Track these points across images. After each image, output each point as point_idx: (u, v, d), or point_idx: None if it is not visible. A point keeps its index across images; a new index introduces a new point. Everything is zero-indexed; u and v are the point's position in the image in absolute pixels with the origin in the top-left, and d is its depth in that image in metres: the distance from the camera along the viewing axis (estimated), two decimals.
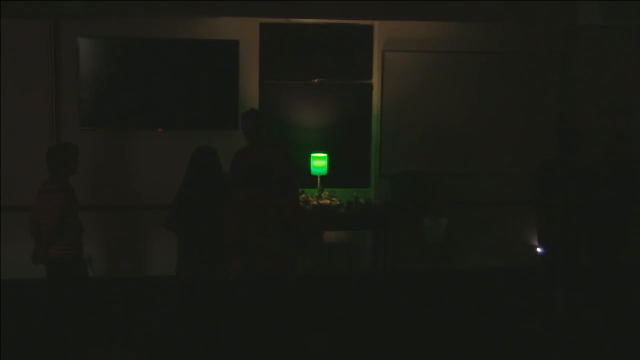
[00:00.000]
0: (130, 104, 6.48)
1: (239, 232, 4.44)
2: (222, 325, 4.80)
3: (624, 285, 6.31)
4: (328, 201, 6.51)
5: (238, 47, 6.54)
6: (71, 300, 4.78)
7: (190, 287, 4.78)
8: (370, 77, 6.86)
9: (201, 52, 6.51)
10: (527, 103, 7.08)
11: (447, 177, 7.01)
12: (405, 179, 6.92)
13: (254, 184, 4.55)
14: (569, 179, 5.51)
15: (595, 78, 7.09)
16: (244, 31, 6.60)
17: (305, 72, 6.75)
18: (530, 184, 5.77)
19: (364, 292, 6.53)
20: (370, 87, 6.86)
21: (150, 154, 6.62)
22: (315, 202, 6.49)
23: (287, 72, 6.74)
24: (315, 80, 6.75)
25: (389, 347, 5.37)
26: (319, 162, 6.58)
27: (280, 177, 4.95)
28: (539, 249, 5.85)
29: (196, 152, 4.79)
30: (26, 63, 6.35)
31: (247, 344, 4.54)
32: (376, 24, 6.79)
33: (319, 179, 6.60)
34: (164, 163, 6.48)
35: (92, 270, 5.98)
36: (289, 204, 4.92)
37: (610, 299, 6.08)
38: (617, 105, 7.10)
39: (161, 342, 5.30)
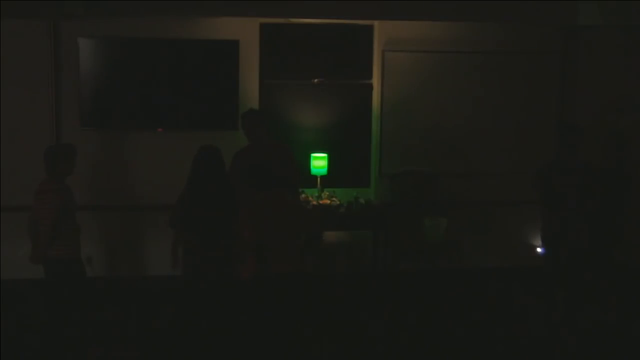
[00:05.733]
0: (130, 104, 6.48)
1: (254, 233, 4.45)
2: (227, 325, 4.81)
3: (619, 285, 6.31)
4: (328, 201, 6.51)
5: (238, 47, 6.54)
6: (70, 300, 4.78)
7: (195, 286, 4.78)
8: (370, 77, 6.86)
9: (201, 52, 6.51)
10: (527, 103, 7.07)
11: (447, 177, 7.01)
12: (405, 179, 6.92)
13: (264, 186, 4.56)
14: (570, 178, 5.50)
15: (596, 78, 7.08)
16: (244, 31, 6.60)
17: (305, 72, 6.74)
18: (533, 182, 5.74)
19: (364, 292, 6.53)
20: (370, 87, 6.86)
21: (150, 154, 6.61)
22: (315, 202, 6.49)
23: (287, 72, 6.73)
24: (315, 80, 6.75)
25: (388, 347, 5.37)
26: (319, 162, 6.58)
27: (286, 178, 4.95)
28: (539, 249, 5.85)
29: (200, 152, 4.78)
30: (26, 63, 6.35)
31: (255, 344, 4.56)
32: (376, 24, 6.79)
33: (319, 179, 6.59)
34: (164, 163, 6.48)
35: (91, 270, 5.97)
36: (299, 204, 4.95)
37: (606, 299, 6.08)
38: (617, 105, 7.10)
39: (161, 342, 5.30)
